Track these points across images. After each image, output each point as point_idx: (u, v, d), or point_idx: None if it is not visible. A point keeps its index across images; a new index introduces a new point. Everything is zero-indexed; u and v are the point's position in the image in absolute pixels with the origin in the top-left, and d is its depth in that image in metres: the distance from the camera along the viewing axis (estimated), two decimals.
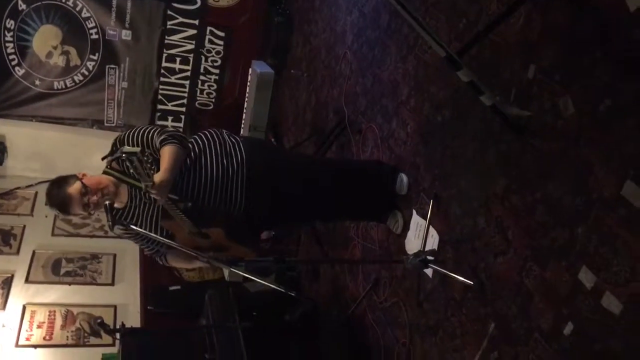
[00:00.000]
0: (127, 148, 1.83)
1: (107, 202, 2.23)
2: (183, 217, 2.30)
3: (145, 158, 1.88)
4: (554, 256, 1.89)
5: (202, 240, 2.47)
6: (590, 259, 1.74)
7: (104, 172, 2.41)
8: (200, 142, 2.57)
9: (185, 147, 2.41)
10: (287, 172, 2.77)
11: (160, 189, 2.14)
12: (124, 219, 2.45)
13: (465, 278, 2.31)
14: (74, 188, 2.28)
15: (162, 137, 2.35)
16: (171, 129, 2.52)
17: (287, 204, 2.75)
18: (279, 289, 2.25)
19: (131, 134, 2.43)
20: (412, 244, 2.83)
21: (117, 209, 2.46)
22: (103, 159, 2.21)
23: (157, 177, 2.13)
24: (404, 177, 2.92)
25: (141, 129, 2.44)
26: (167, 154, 2.28)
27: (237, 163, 2.56)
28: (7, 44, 5.02)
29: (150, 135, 2.39)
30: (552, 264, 1.89)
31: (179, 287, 4.66)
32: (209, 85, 5.69)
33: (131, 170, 2.09)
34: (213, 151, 2.55)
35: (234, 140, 2.65)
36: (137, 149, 1.85)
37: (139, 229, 2.30)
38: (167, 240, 2.29)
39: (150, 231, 2.44)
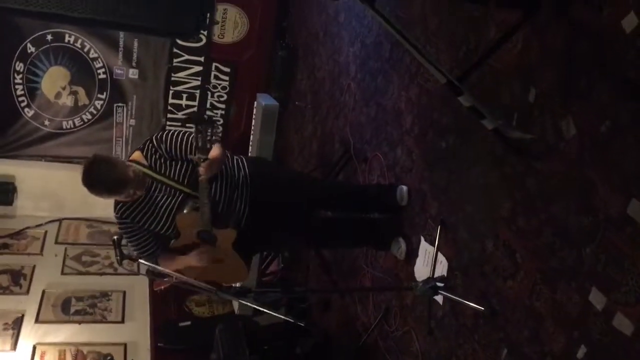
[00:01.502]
0: (203, 115, 2.00)
1: (115, 237, 2.24)
2: (207, 208, 2.41)
3: (216, 131, 2.03)
4: (563, 278, 1.88)
5: (205, 245, 2.56)
6: (600, 280, 1.73)
7: (134, 163, 2.53)
8: None
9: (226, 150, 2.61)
10: (288, 187, 2.90)
11: (212, 164, 2.34)
12: (132, 211, 2.55)
13: (475, 304, 2.30)
14: (131, 173, 2.41)
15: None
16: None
17: (287, 218, 2.85)
18: (288, 319, 2.23)
19: (170, 135, 2.57)
20: (421, 271, 2.81)
21: (126, 201, 2.55)
22: (184, 117, 2.42)
23: (212, 155, 2.35)
24: (403, 187, 2.96)
25: (181, 131, 2.59)
26: (218, 147, 2.47)
27: (241, 176, 2.70)
28: (16, 86, 5.11)
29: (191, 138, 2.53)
30: (561, 286, 1.88)
31: (189, 322, 4.63)
32: (215, 120, 5.75)
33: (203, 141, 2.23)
34: (227, 162, 2.69)
35: (237, 158, 2.80)
36: (214, 118, 2.02)
37: (148, 264, 2.32)
38: (181, 276, 2.33)
39: (161, 223, 2.56)
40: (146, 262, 2.34)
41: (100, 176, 2.37)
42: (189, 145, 2.51)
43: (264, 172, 2.85)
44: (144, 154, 2.56)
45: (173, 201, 2.55)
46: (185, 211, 2.50)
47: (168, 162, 2.55)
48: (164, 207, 2.56)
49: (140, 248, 2.66)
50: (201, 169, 2.34)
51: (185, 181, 2.52)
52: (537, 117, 2.02)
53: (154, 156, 2.54)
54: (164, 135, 2.58)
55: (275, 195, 2.79)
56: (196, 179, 2.41)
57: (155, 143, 2.56)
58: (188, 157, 2.51)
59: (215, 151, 2.43)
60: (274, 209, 2.76)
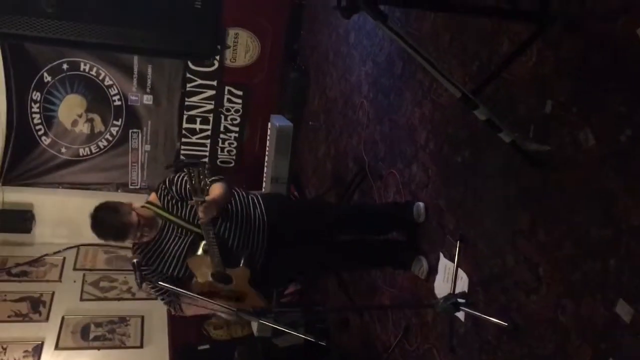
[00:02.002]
0: (190, 159, 1.97)
1: (135, 260, 2.25)
2: (215, 249, 2.38)
3: (206, 172, 2.02)
4: (587, 290, 1.85)
5: (221, 286, 2.51)
6: (626, 291, 1.70)
7: (145, 207, 2.56)
8: None
9: (232, 188, 2.60)
10: (305, 217, 2.90)
11: (209, 206, 2.28)
12: (147, 253, 2.56)
13: (498, 319, 2.26)
14: (134, 217, 2.43)
15: (212, 178, 2.49)
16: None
17: (308, 247, 2.83)
18: (309, 338, 2.21)
19: (180, 177, 2.60)
20: (442, 287, 2.78)
21: (141, 243, 2.56)
22: (167, 167, 2.36)
23: (210, 197, 2.30)
24: (420, 204, 2.95)
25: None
26: (219, 186, 2.49)
27: (257, 210, 2.70)
28: (33, 115, 5.19)
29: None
30: (586, 299, 1.85)
31: (207, 346, 4.61)
32: (229, 143, 5.79)
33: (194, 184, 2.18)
34: (238, 200, 2.69)
35: (252, 195, 2.82)
36: (203, 160, 1.99)
37: (166, 286, 2.33)
38: (186, 292, 2.33)
39: (175, 266, 2.56)
40: (167, 285, 2.34)
41: (104, 223, 2.44)
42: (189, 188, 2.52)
43: (280, 206, 2.88)
44: (158, 194, 2.62)
45: (184, 242, 2.57)
46: (198, 253, 2.49)
47: (179, 203, 2.59)
48: (175, 248, 2.58)
49: (162, 293, 2.69)
50: (199, 212, 2.29)
51: (196, 221, 2.49)
52: (554, 128, 2.01)
53: (166, 197, 2.59)
54: (175, 178, 2.62)
55: (292, 226, 2.80)
56: None
57: (167, 185, 2.62)
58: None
59: (215, 191, 2.44)
60: (293, 239, 2.77)
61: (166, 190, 2.60)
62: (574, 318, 1.90)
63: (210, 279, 2.53)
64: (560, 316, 1.96)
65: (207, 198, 2.26)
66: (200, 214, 2.29)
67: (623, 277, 1.70)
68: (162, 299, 2.72)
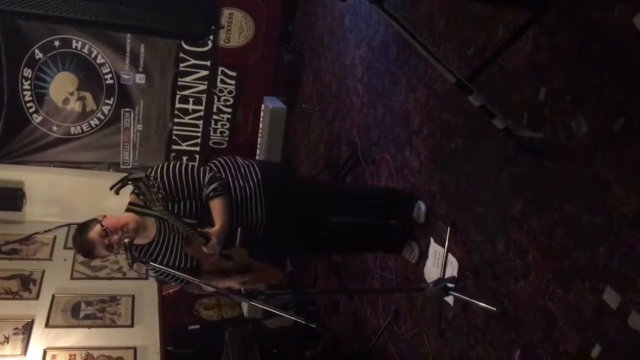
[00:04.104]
0: (133, 174, 1.87)
1: (126, 240, 2.24)
2: (200, 239, 2.32)
3: (150, 182, 1.90)
4: (576, 277, 1.87)
5: (228, 263, 2.49)
6: (614, 279, 1.72)
7: (126, 210, 2.45)
8: (215, 169, 2.63)
9: (228, 193, 2.50)
10: (302, 192, 2.83)
11: (213, 246, 2.28)
12: (150, 255, 2.47)
13: (487, 304, 2.28)
14: (94, 232, 2.30)
15: (212, 186, 2.43)
16: (213, 172, 2.58)
17: (303, 225, 2.79)
18: (300, 320, 2.22)
19: (165, 169, 2.46)
20: (431, 272, 2.80)
21: (143, 244, 2.48)
22: (111, 188, 2.25)
23: (213, 234, 2.28)
24: (421, 205, 2.90)
25: (179, 166, 2.49)
26: (220, 208, 2.42)
27: (252, 183, 2.61)
28: (24, 92, 5.14)
29: (197, 176, 2.46)
30: (575, 286, 1.87)
31: (198, 326, 4.63)
32: (222, 124, 5.76)
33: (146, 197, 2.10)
34: (229, 175, 2.62)
35: (247, 162, 2.72)
36: (142, 174, 1.89)
37: (158, 266, 2.32)
38: (186, 276, 2.31)
39: (180, 260, 2.49)
40: (158, 266, 2.33)
41: (76, 246, 2.38)
42: (194, 181, 2.47)
43: (277, 178, 2.77)
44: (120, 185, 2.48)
45: (180, 236, 2.49)
46: (189, 245, 2.43)
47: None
48: (175, 244, 2.50)
49: (174, 282, 2.66)
50: (208, 250, 2.29)
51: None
52: (547, 116, 2.01)
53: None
54: (156, 170, 2.49)
55: (288, 200, 2.73)
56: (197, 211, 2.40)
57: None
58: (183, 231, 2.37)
59: (216, 219, 2.38)
60: (289, 213, 2.71)
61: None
62: (562, 304, 1.93)
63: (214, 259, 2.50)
64: (549, 302, 1.99)
65: (211, 235, 2.26)
66: (210, 251, 2.30)
67: (612, 264, 1.72)
68: (173, 282, 2.64)
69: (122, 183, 1.91)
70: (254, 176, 2.65)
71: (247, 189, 2.60)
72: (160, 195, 1.97)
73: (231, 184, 2.58)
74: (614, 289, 1.71)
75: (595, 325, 1.78)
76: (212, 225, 2.39)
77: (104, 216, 2.36)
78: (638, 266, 1.63)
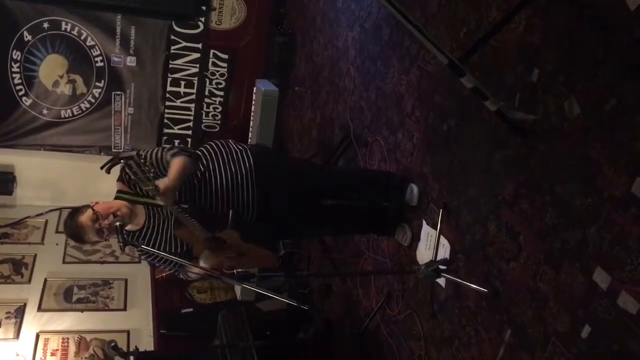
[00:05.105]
0: (123, 153, 1.86)
1: (117, 224, 2.24)
2: (194, 222, 2.31)
3: (142, 161, 1.90)
4: (567, 258, 1.88)
5: (219, 247, 2.48)
6: (604, 259, 1.73)
7: (116, 197, 2.44)
8: (207, 153, 2.63)
9: (195, 158, 2.47)
10: (295, 176, 2.82)
11: (165, 194, 2.17)
12: (141, 240, 2.46)
13: (478, 286, 2.30)
14: (85, 216, 2.31)
15: (172, 152, 2.40)
16: (181, 145, 2.56)
17: (296, 208, 2.78)
18: (292, 302, 2.23)
19: (155, 150, 2.46)
20: (423, 254, 2.82)
21: (134, 230, 2.48)
22: (102, 167, 2.23)
23: (162, 184, 2.17)
24: (414, 188, 2.91)
25: (151, 150, 2.48)
26: (175, 163, 2.35)
27: (245, 168, 2.61)
28: (14, 75, 5.08)
29: (160, 154, 2.43)
30: (565, 267, 1.88)
31: (191, 309, 4.65)
32: (214, 108, 5.73)
33: (138, 184, 2.09)
34: (221, 159, 2.61)
35: (240, 147, 2.71)
36: (133, 153, 1.87)
37: (149, 248, 2.32)
38: (177, 258, 2.31)
39: (171, 246, 2.48)
40: (149, 249, 2.33)
41: (67, 230, 2.37)
42: (159, 160, 2.43)
43: (269, 162, 2.78)
44: (124, 182, 2.46)
45: (170, 222, 2.48)
46: (179, 228, 2.41)
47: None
48: (166, 229, 2.50)
49: (166, 268, 2.66)
50: (160, 202, 2.21)
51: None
52: (540, 97, 2.01)
53: (130, 182, 2.42)
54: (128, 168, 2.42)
55: (281, 184, 2.73)
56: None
57: (127, 174, 2.41)
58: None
59: (171, 170, 2.32)
60: (281, 197, 2.71)
61: (128, 176, 2.40)
62: (552, 285, 1.94)
63: (205, 245, 2.50)
64: (539, 283, 2.00)
65: (158, 184, 2.13)
66: (162, 202, 2.21)
67: (602, 245, 1.73)
68: (166, 267, 2.66)
69: (113, 162, 1.91)
70: (247, 161, 2.65)
71: (240, 174, 2.60)
72: (151, 174, 1.97)
73: (223, 168, 2.58)
74: (604, 270, 1.73)
75: (585, 306, 1.79)
76: (207, 212, 2.38)
77: (96, 202, 2.36)
78: (628, 247, 1.64)
